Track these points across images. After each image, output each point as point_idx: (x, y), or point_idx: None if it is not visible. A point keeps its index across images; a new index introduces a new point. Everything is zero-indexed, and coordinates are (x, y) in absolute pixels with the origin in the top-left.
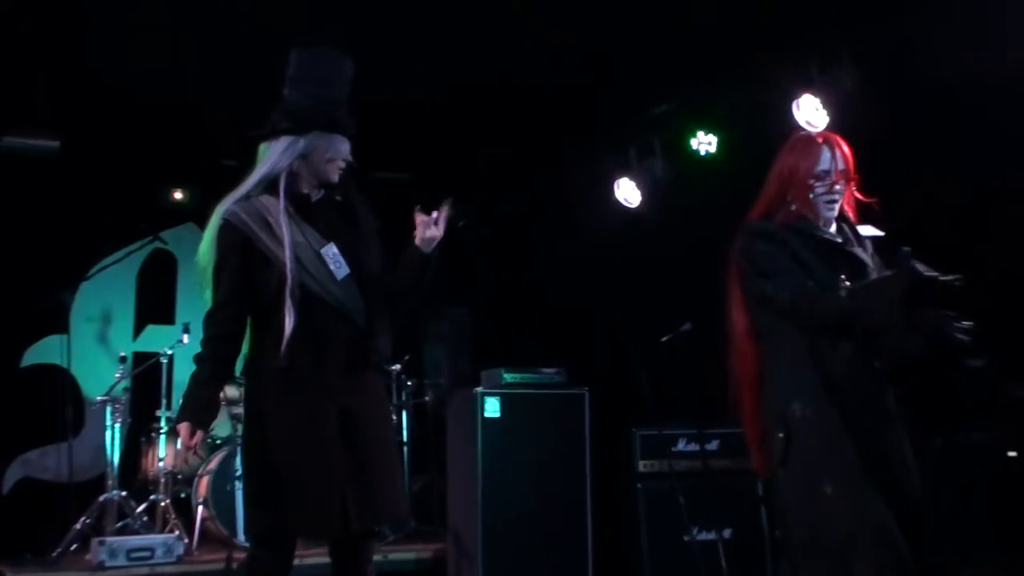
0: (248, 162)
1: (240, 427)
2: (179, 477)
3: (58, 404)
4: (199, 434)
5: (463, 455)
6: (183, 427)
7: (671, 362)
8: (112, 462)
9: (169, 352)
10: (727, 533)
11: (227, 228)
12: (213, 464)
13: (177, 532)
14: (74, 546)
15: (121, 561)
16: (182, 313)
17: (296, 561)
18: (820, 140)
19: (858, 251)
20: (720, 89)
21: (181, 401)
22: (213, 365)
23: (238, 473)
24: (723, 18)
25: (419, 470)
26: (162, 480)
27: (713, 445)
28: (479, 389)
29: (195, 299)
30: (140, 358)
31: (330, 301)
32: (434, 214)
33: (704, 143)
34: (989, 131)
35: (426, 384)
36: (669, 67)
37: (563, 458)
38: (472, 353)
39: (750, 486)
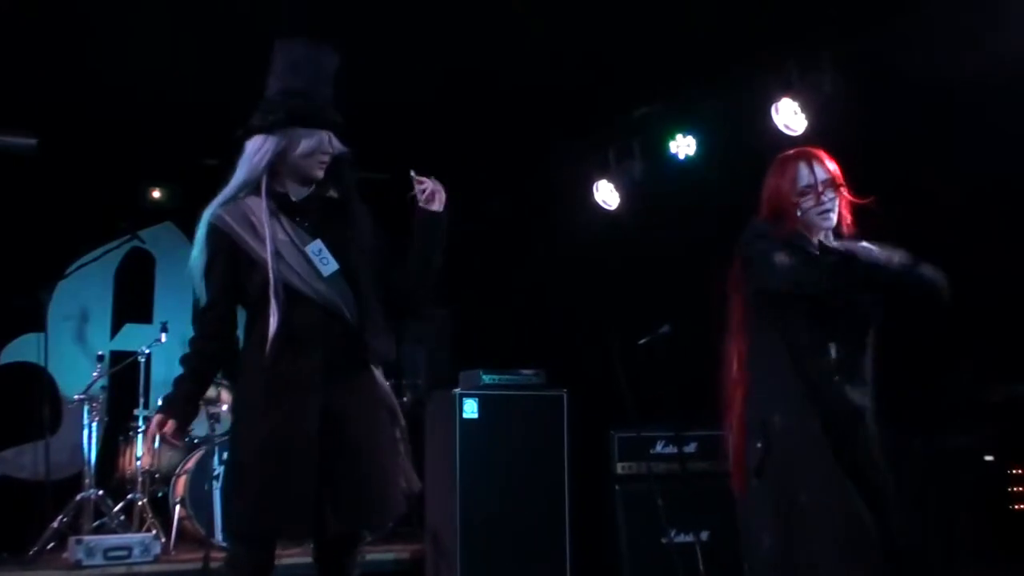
0: (228, 161)
1: (217, 426)
2: (156, 476)
3: (35, 403)
4: (171, 424)
5: (441, 456)
6: (156, 418)
7: (650, 364)
8: (89, 461)
9: (147, 351)
10: (705, 535)
11: (213, 231)
12: (191, 463)
13: (154, 531)
14: (51, 545)
15: (98, 560)
16: (160, 312)
17: (279, 561)
18: (794, 156)
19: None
20: (699, 92)
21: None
22: (196, 362)
23: (216, 472)
24: (703, 22)
25: None
26: (139, 479)
27: (691, 447)
28: (457, 390)
29: (173, 298)
30: (118, 357)
31: (316, 299)
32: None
33: (683, 146)
34: (982, 132)
35: (404, 384)
36: (649, 70)
37: (541, 459)
38: (451, 354)
39: (728, 489)
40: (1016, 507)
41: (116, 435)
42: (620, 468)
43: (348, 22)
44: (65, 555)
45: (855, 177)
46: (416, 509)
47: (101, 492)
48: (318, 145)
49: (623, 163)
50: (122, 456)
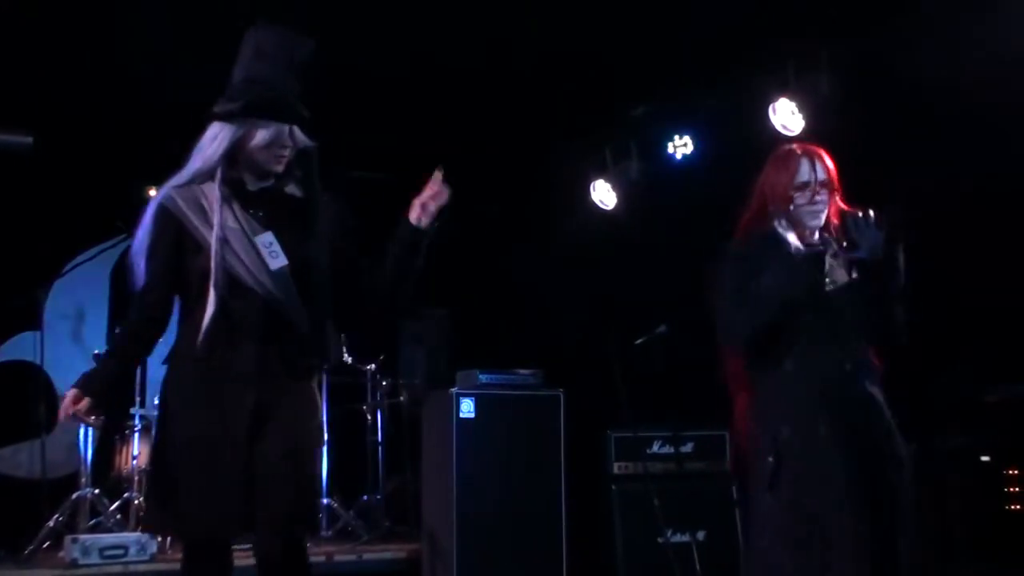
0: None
1: None
2: None
3: (31, 401)
4: (85, 401)
5: (438, 455)
6: (70, 393)
7: (646, 364)
8: (85, 460)
9: None
10: (701, 535)
11: (162, 212)
12: None
13: None
14: (47, 544)
15: (94, 559)
16: None
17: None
18: (799, 152)
19: (832, 260)
20: (697, 92)
21: None
22: (125, 342)
23: None
24: (700, 22)
25: (394, 470)
26: (136, 478)
27: (688, 447)
28: (454, 390)
29: None
30: None
31: (259, 291)
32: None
33: (680, 146)
34: (980, 132)
35: (401, 384)
36: (646, 70)
37: (538, 459)
38: (449, 354)
39: (724, 489)
40: (1012, 507)
41: (112, 434)
42: (616, 468)
43: (348, 22)
44: (61, 554)
45: (852, 177)
46: (413, 508)
47: (97, 491)
48: (276, 137)
49: (620, 163)
50: (118, 455)
